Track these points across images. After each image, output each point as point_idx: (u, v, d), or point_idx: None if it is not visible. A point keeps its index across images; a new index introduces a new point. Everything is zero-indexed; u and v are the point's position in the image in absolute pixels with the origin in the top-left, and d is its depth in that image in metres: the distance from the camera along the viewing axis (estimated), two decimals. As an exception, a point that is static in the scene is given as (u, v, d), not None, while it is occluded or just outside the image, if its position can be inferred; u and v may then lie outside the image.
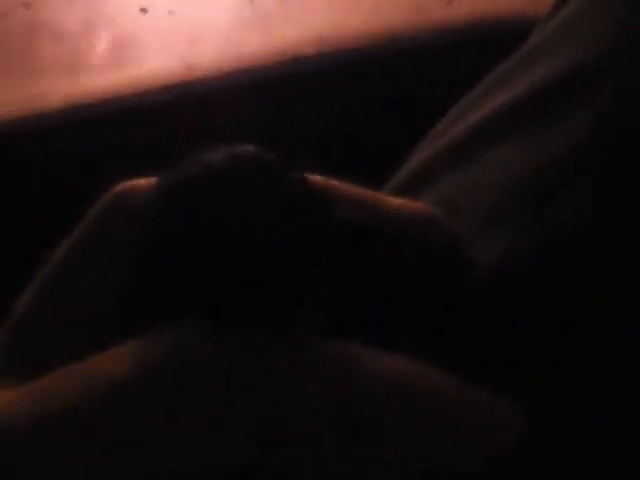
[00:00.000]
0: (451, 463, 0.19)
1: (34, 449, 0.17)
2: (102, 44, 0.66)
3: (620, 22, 0.32)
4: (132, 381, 0.17)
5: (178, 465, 0.17)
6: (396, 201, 0.25)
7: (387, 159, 0.38)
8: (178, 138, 0.68)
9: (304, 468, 0.18)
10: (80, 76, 0.66)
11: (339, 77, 0.71)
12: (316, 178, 0.24)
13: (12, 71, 0.67)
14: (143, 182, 0.24)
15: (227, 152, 0.20)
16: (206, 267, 0.19)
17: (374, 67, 0.71)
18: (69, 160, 0.69)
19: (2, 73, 0.67)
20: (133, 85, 0.67)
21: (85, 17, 0.65)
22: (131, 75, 0.67)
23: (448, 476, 0.20)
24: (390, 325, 0.23)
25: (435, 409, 0.19)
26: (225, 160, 0.20)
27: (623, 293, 0.26)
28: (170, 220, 0.20)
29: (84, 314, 0.22)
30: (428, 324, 0.23)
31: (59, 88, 0.67)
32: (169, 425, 0.17)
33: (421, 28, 0.70)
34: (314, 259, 0.18)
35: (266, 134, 0.70)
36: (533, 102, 0.32)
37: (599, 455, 0.25)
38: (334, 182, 0.24)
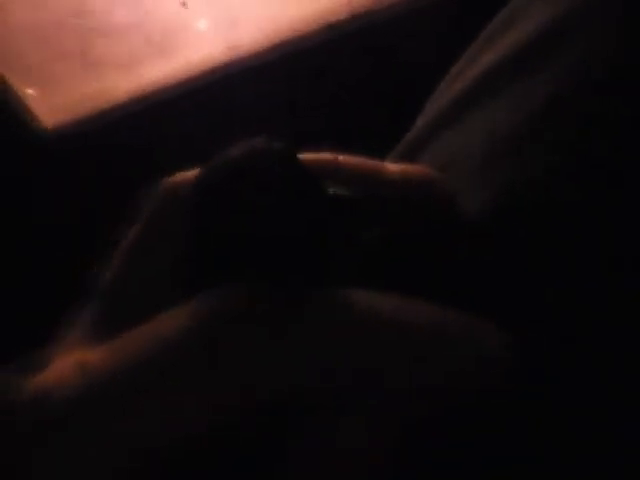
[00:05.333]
0: (446, 388, 0.23)
1: (124, 390, 0.21)
2: (151, 39, 0.71)
3: None
4: (197, 330, 0.21)
5: (248, 389, 0.21)
6: (396, 167, 0.29)
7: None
8: (231, 111, 0.73)
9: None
10: (136, 70, 0.72)
11: (371, 37, 0.75)
12: (323, 156, 0.29)
13: (74, 72, 0.74)
14: (187, 175, 0.28)
15: (244, 147, 0.26)
16: (238, 242, 0.24)
17: (402, 24, 0.75)
18: (136, 147, 0.75)
19: (66, 75, 0.74)
20: (184, 72, 0.73)
21: (132, 18, 0.71)
22: (181, 63, 0.73)
23: (444, 400, 0.24)
24: (398, 273, 0.27)
25: (435, 342, 0.23)
26: (242, 154, 0.25)
27: (596, 226, 0.29)
28: (206, 208, 0.25)
29: (153, 282, 0.26)
30: (430, 269, 0.28)
31: (119, 83, 0.73)
32: (238, 360, 0.21)
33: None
34: (312, 229, 0.24)
35: (308, 98, 0.75)
36: (514, 60, 0.35)
37: (583, 384, 0.27)
38: (340, 158, 0.29)
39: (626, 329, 0.28)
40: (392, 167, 0.29)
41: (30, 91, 0.74)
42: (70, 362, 0.23)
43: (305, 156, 0.28)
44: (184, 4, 0.68)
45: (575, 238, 0.29)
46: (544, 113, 0.32)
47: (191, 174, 0.29)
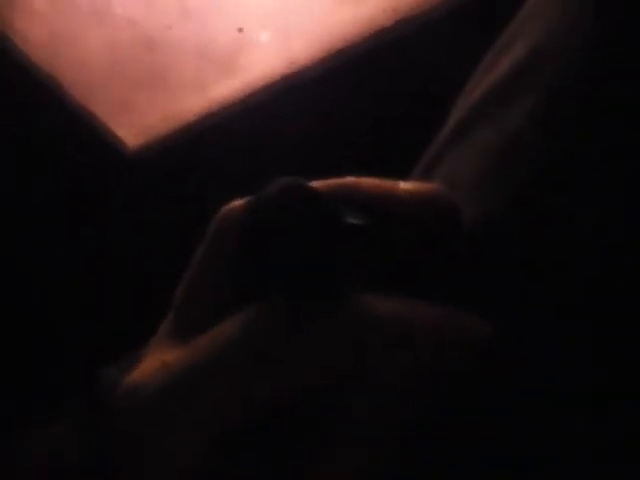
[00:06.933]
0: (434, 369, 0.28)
1: (194, 383, 0.28)
2: (214, 62, 0.79)
3: (568, 11, 0.36)
4: (241, 338, 0.28)
5: (272, 383, 0.28)
6: (408, 186, 0.33)
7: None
8: (289, 123, 0.80)
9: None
10: (204, 91, 0.80)
11: (416, 44, 0.81)
12: (344, 181, 0.35)
13: (146, 99, 0.82)
14: (237, 205, 0.34)
15: (278, 185, 0.32)
16: (273, 265, 0.31)
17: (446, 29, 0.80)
18: (210, 159, 0.83)
19: (142, 101, 0.82)
20: (248, 88, 0.80)
21: (197, 47, 0.79)
22: (245, 81, 0.80)
23: (432, 379, 0.28)
24: (404, 278, 0.32)
25: (428, 334, 0.28)
26: (276, 192, 0.32)
27: (570, 233, 0.32)
28: (250, 236, 0.32)
29: (211, 297, 0.31)
30: (432, 272, 0.32)
31: (190, 103, 0.81)
32: (268, 363, 0.27)
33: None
34: (334, 253, 0.30)
35: (358, 103, 0.81)
36: (505, 84, 0.37)
37: (576, 380, 0.30)
38: (359, 182, 0.33)
39: (625, 325, 0.31)
40: (405, 186, 0.33)
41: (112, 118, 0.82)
42: (153, 362, 0.30)
43: (329, 183, 0.35)
44: (240, 30, 0.75)
45: (569, 234, 0.32)
46: (514, 140, 0.35)
47: (240, 204, 0.34)
